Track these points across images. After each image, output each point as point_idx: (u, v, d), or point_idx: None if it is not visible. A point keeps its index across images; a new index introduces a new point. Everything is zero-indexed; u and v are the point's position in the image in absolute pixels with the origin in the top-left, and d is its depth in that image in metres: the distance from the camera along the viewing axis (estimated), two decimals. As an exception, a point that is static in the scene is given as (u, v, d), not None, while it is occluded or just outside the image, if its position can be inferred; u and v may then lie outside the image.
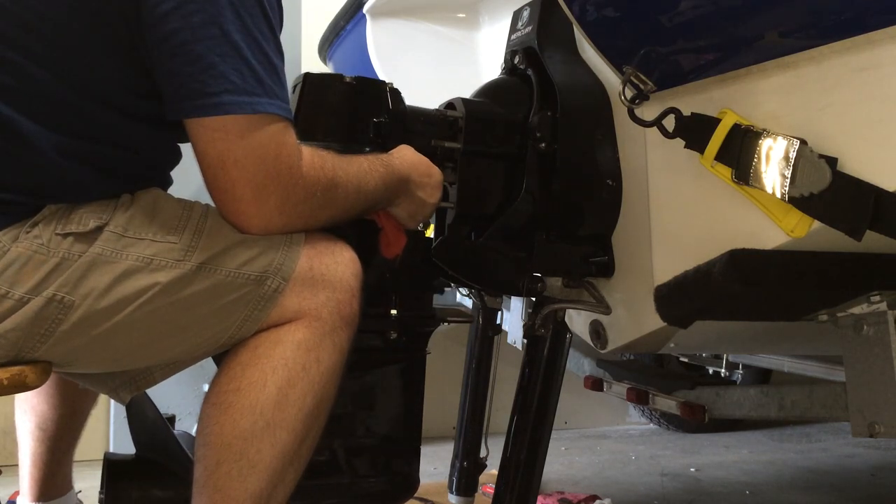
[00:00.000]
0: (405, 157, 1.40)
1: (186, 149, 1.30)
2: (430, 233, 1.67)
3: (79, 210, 1.15)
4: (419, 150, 1.48)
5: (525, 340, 1.69)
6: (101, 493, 1.46)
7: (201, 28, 1.09)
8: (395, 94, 1.51)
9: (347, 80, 1.47)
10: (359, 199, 1.29)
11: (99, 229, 1.14)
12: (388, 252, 1.45)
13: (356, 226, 1.39)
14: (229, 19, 1.11)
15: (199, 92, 1.10)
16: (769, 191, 1.18)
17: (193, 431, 1.23)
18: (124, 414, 1.56)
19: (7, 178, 1.14)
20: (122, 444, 1.57)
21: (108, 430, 2.83)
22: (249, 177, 1.13)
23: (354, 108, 1.47)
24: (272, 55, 1.16)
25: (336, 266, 1.23)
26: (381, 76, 2.16)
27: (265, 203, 1.15)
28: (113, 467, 1.48)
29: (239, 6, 1.11)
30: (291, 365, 1.17)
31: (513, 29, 1.68)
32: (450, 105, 1.59)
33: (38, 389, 1.54)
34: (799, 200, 1.15)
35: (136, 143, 1.22)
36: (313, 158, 1.21)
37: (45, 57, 1.14)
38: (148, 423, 1.52)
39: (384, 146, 1.45)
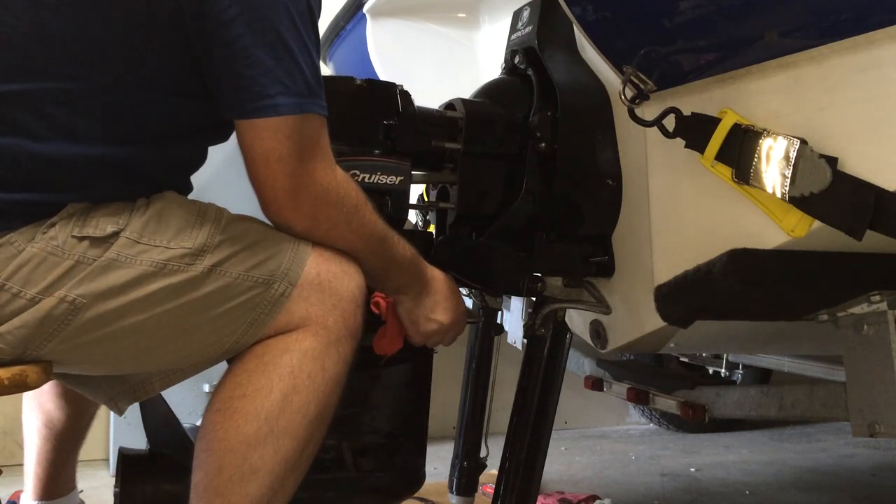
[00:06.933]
0: (436, 270, 1.41)
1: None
2: (431, 230, 1.67)
3: (96, 213, 1.16)
4: (420, 150, 1.48)
5: (525, 340, 1.69)
6: (115, 487, 1.46)
7: (262, 34, 1.15)
8: (406, 96, 1.51)
9: (358, 82, 1.48)
10: (379, 247, 1.29)
11: (115, 234, 1.15)
12: (379, 347, 1.41)
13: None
14: (286, 25, 1.16)
15: (259, 94, 1.15)
16: (769, 190, 1.18)
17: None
18: (124, 415, 1.56)
19: (29, 179, 1.15)
20: (123, 444, 1.57)
21: (108, 430, 2.83)
22: (291, 171, 1.17)
23: (365, 110, 1.48)
24: (315, 56, 1.22)
25: (343, 276, 1.24)
26: (381, 76, 2.16)
27: (302, 196, 1.19)
28: (127, 462, 1.48)
29: (294, 13, 1.17)
30: (297, 373, 1.18)
31: (513, 29, 1.68)
32: (449, 106, 1.59)
33: (46, 388, 1.55)
34: (799, 200, 1.15)
35: (172, 146, 1.24)
36: (346, 175, 1.26)
37: (83, 64, 1.15)
38: (160, 419, 1.52)
39: (394, 148, 1.45)
